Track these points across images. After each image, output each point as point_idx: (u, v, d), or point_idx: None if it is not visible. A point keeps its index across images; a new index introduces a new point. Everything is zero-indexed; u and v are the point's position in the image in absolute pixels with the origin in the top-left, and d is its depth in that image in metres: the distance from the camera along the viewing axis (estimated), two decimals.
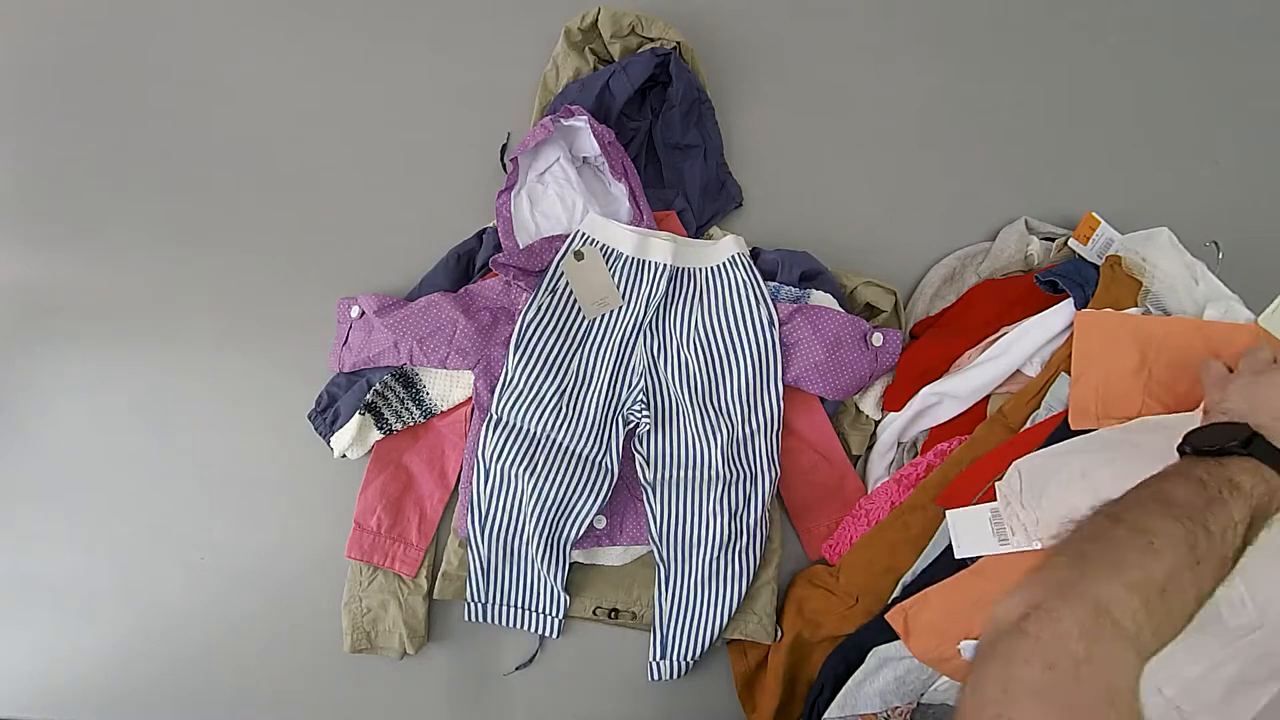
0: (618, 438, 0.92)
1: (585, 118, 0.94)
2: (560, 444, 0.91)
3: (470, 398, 0.95)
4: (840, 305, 0.96)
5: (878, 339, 0.93)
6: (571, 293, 0.94)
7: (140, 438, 0.99)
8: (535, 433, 0.91)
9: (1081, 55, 1.10)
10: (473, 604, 0.92)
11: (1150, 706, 0.69)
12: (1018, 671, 0.50)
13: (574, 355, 0.94)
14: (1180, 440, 0.67)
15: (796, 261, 0.97)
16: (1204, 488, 0.59)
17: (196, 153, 1.05)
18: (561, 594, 0.92)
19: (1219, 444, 0.64)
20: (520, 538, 0.91)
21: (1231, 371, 0.75)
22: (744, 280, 0.94)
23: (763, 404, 0.93)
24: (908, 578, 0.88)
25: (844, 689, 0.86)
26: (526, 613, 0.93)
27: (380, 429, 0.94)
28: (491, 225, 0.99)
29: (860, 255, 1.02)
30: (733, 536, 0.90)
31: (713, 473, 0.91)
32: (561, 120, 0.95)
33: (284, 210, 1.04)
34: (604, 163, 0.97)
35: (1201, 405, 0.75)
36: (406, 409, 0.94)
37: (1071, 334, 0.88)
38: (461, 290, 0.96)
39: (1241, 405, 0.68)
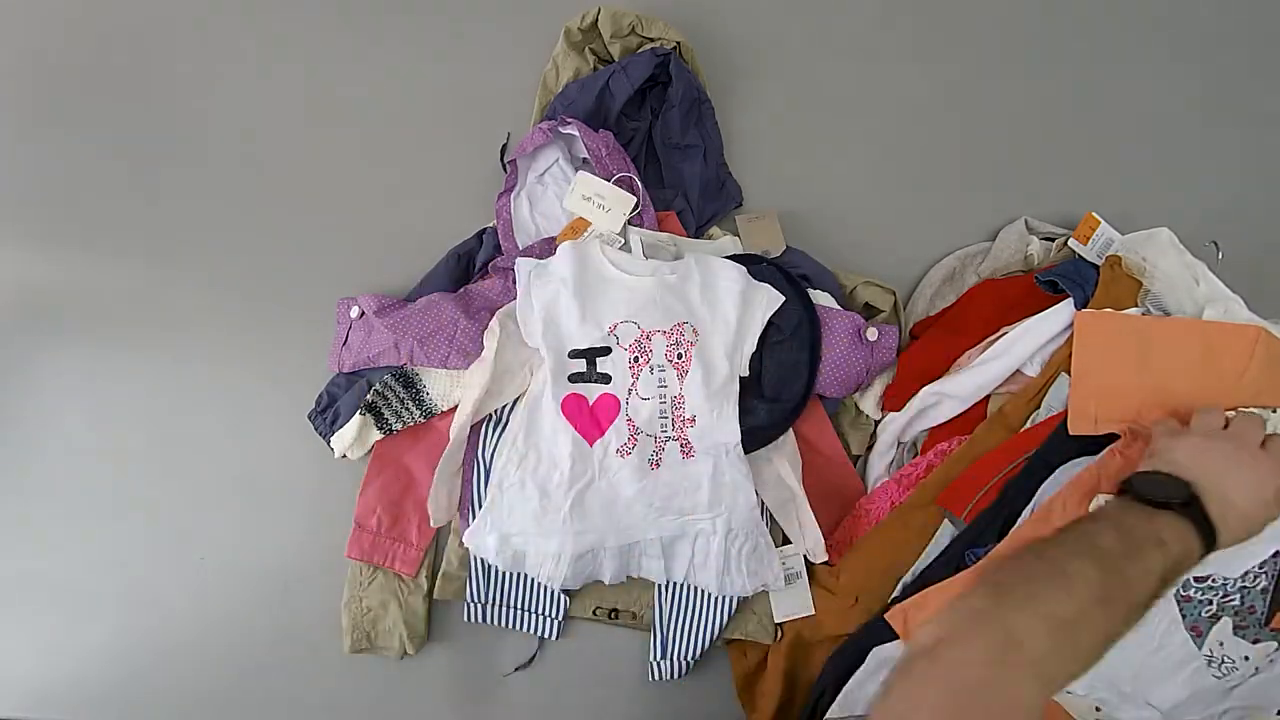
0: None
1: (577, 128, 0.93)
2: None
3: None
4: (838, 304, 0.96)
5: (873, 333, 0.93)
6: None
7: (140, 438, 0.99)
8: None
9: (1081, 55, 1.10)
10: (472, 604, 0.92)
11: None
12: (924, 691, 0.54)
13: None
14: (1124, 480, 0.71)
15: (795, 261, 0.96)
16: (1130, 537, 0.63)
17: (196, 153, 1.05)
18: (561, 594, 0.92)
19: (1160, 498, 0.67)
20: None
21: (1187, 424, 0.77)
22: None
23: None
24: (908, 578, 0.87)
25: (844, 690, 0.86)
26: (526, 614, 0.93)
27: (380, 429, 0.94)
28: (491, 225, 0.99)
29: (860, 255, 1.02)
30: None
31: None
32: (560, 129, 0.95)
33: (284, 210, 1.04)
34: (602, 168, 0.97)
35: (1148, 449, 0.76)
36: (406, 409, 0.94)
37: (1071, 334, 0.88)
38: (461, 290, 0.96)
39: (1188, 465, 0.70)
